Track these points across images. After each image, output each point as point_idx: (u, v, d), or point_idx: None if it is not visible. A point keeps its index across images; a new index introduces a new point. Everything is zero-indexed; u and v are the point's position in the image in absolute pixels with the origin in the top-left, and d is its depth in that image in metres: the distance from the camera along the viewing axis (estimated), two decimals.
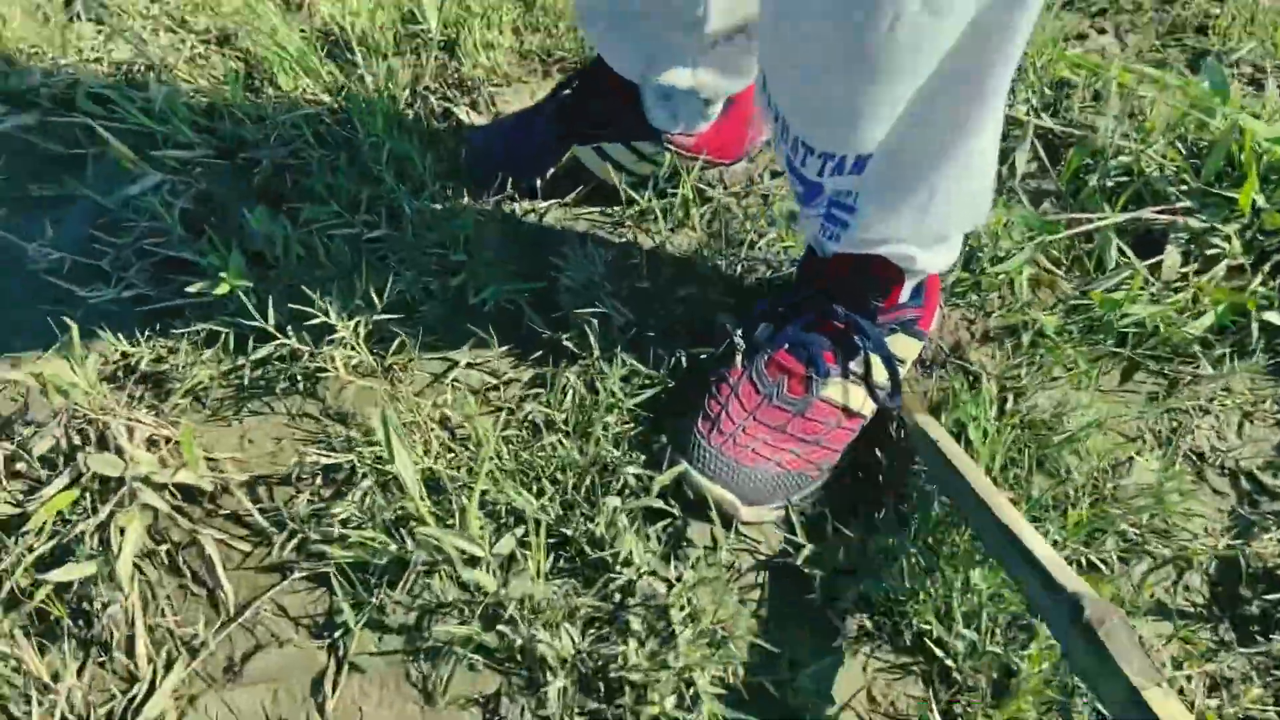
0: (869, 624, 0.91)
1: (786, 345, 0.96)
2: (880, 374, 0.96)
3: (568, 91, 1.16)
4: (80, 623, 0.91)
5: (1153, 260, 1.16)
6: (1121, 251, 1.17)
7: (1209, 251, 1.18)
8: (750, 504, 0.94)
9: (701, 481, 0.93)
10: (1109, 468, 1.01)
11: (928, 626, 0.89)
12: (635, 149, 1.14)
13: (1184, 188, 1.22)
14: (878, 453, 0.99)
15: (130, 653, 0.89)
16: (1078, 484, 0.97)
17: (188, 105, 1.22)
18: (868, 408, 0.97)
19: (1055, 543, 0.92)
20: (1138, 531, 0.96)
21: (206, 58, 1.30)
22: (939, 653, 0.88)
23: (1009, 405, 1.03)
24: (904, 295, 0.95)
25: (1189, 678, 0.88)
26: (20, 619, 0.90)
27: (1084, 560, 0.94)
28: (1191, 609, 0.93)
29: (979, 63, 0.67)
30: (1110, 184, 1.25)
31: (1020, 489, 0.95)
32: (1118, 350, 1.10)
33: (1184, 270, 1.16)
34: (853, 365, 0.96)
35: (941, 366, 1.06)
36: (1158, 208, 1.20)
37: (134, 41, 1.26)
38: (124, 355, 1.04)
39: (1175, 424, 1.05)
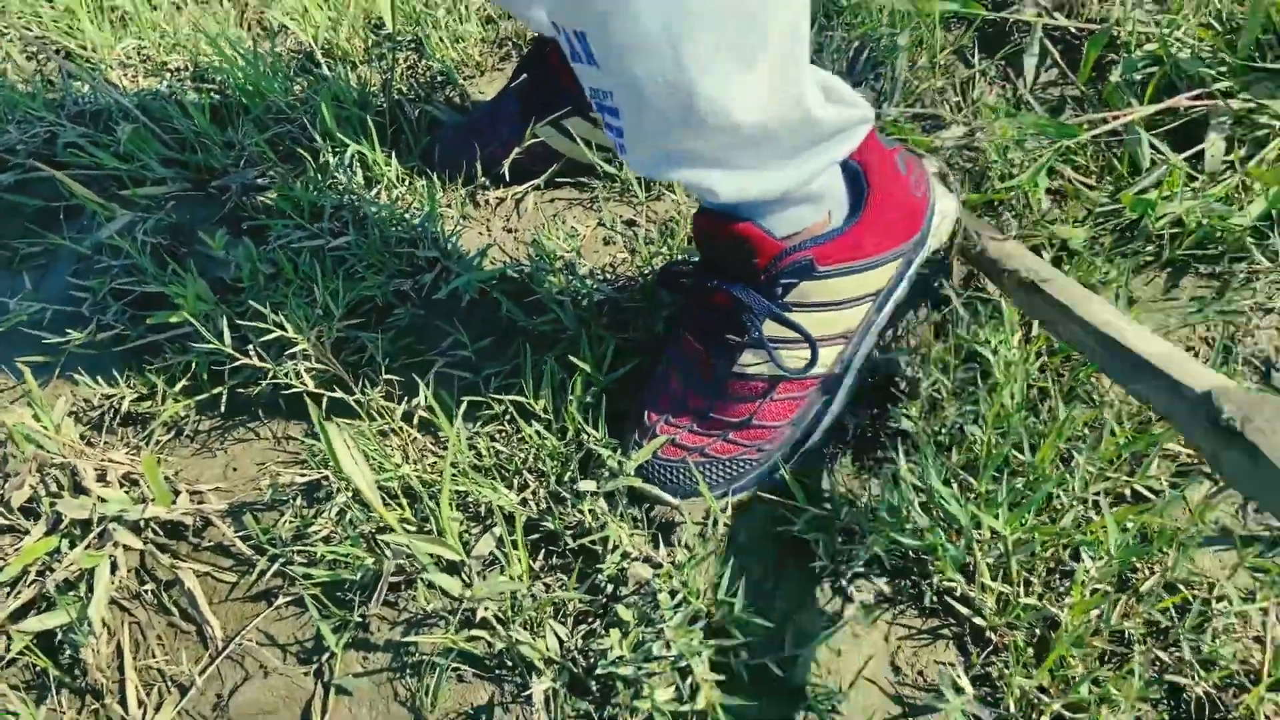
0: (886, 588, 0.81)
1: (689, 323, 0.87)
2: (840, 321, 0.84)
3: (525, 75, 1.11)
4: (76, 672, 0.89)
5: (1192, 152, 1.03)
6: (1155, 147, 1.04)
7: (1257, 133, 1.04)
8: (685, 497, 0.87)
9: (631, 480, 0.86)
10: None
11: (952, 584, 0.79)
12: (594, 119, 1.08)
13: (1221, 69, 1.08)
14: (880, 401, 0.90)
15: (121, 697, 0.87)
16: (1116, 408, 0.86)
17: (161, 141, 1.21)
18: (823, 364, 0.85)
19: (1090, 475, 0.81)
20: (1190, 452, 0.84)
21: (183, 95, 1.29)
22: (967, 611, 0.79)
23: (1034, 331, 0.92)
24: (799, 239, 0.77)
25: (1264, 610, 0.76)
26: (18, 673, 0.89)
27: (1129, 491, 0.83)
28: (1266, 532, 0.81)
29: None
30: (1137, 77, 1.12)
31: (1052, 423, 0.85)
32: (1156, 256, 0.98)
33: (1229, 159, 1.03)
34: (766, 330, 0.82)
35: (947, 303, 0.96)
36: (1193, 94, 1.07)
37: (101, 88, 1.26)
38: (106, 397, 1.02)
39: (1232, 328, 0.93)
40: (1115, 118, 1.07)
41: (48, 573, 0.91)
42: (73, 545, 0.90)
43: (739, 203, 0.72)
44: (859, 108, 0.73)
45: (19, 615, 0.89)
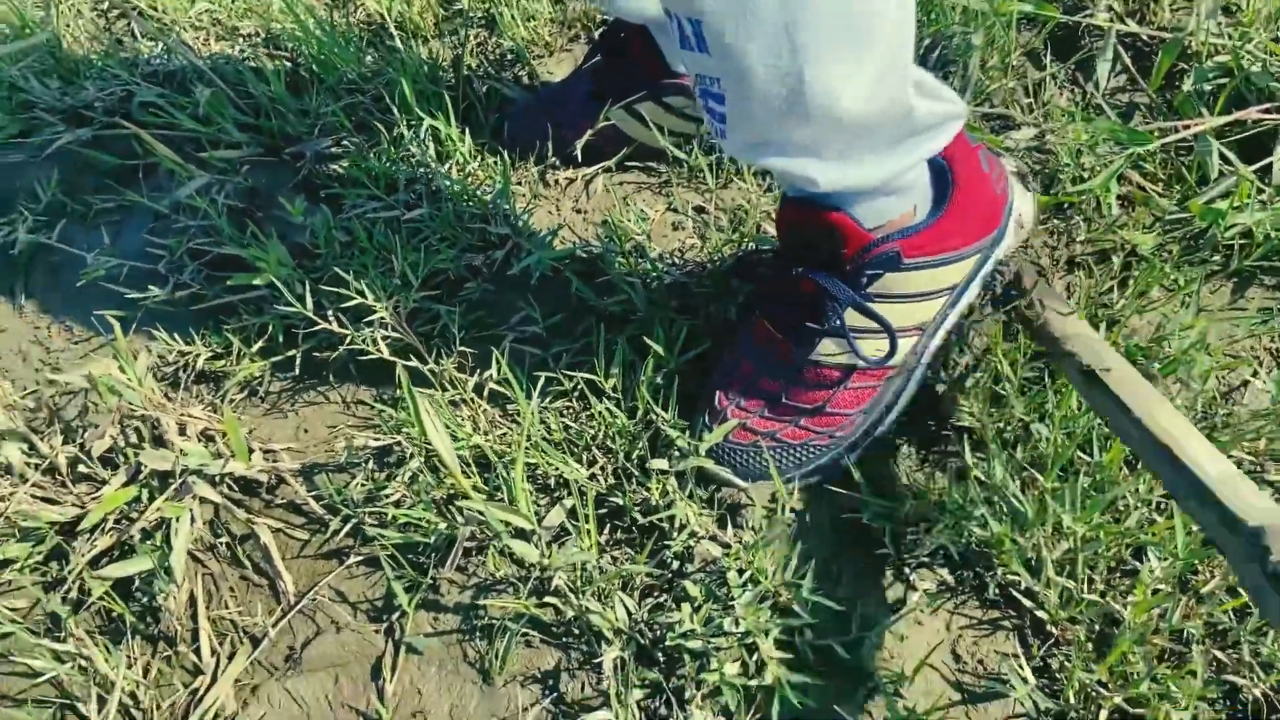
0: (949, 578, 0.83)
1: (765, 310, 0.89)
2: (918, 314, 0.85)
3: (598, 57, 1.12)
4: (149, 619, 0.92)
5: (1261, 164, 1.04)
6: (1224, 158, 1.05)
7: None
8: (753, 480, 0.88)
9: (702, 461, 0.87)
10: (1219, 393, 0.91)
11: (1015, 577, 0.81)
12: (666, 105, 1.09)
13: None
14: (947, 393, 0.91)
15: (195, 645, 0.89)
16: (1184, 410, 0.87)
17: (236, 106, 1.23)
18: (899, 354, 0.85)
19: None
20: (1254, 460, 0.85)
21: (256, 60, 1.31)
22: (1029, 604, 0.80)
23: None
24: (885, 230, 0.78)
25: None
26: (90, 619, 0.92)
27: None
28: None
29: None
30: (1207, 87, 1.13)
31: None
32: (1224, 266, 0.99)
33: None
34: (847, 319, 0.83)
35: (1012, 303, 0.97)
36: (1263, 106, 1.07)
37: (180, 50, 1.28)
38: (182, 354, 1.05)
39: None
40: (1186, 127, 1.08)
41: (125, 521, 0.93)
42: (151, 496, 0.93)
43: (832, 192, 0.74)
44: (953, 103, 0.74)
45: (96, 562, 0.92)
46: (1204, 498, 0.65)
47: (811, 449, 0.87)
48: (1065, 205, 1.04)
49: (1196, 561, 0.79)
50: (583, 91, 1.14)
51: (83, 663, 0.88)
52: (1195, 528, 0.80)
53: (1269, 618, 0.60)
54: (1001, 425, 0.88)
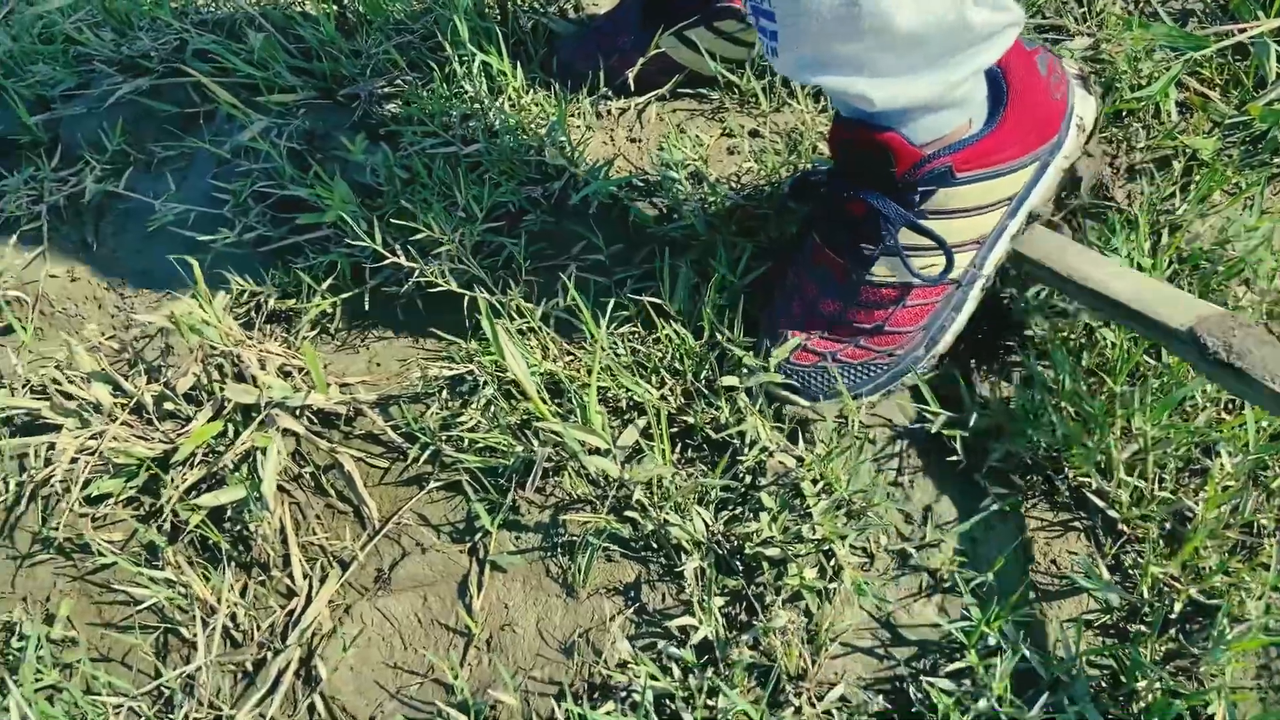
0: (1020, 482, 0.85)
1: (821, 232, 0.89)
2: (974, 228, 0.85)
3: None
4: (240, 547, 0.95)
5: None
6: None
7: None
8: (823, 400, 0.89)
9: (771, 377, 0.89)
10: None
11: (1086, 479, 0.83)
12: (718, 30, 1.09)
13: None
14: (1009, 303, 0.92)
15: (287, 570, 0.93)
16: (1248, 312, 0.88)
17: (288, 51, 1.24)
18: (956, 269, 0.85)
19: None
20: None
21: (303, 4, 1.32)
22: (1100, 504, 0.82)
23: (1164, 240, 0.94)
24: (935, 147, 0.78)
25: None
26: (184, 549, 0.96)
27: None
28: None
29: None
30: None
31: None
32: None
33: None
34: (902, 238, 0.83)
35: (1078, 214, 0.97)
36: None
37: None
38: (252, 295, 1.07)
39: None
40: (1242, 30, 1.07)
41: (213, 455, 0.97)
42: (236, 431, 0.96)
43: (886, 110, 0.74)
44: (1009, 10, 0.73)
45: (187, 494, 0.96)
46: (1141, 317, 0.77)
47: (873, 368, 0.89)
48: (1124, 113, 1.03)
49: (1267, 456, 0.80)
50: (632, 20, 1.14)
51: (181, 589, 0.92)
52: (1265, 424, 0.81)
53: (1226, 389, 0.75)
54: (1066, 334, 0.89)
